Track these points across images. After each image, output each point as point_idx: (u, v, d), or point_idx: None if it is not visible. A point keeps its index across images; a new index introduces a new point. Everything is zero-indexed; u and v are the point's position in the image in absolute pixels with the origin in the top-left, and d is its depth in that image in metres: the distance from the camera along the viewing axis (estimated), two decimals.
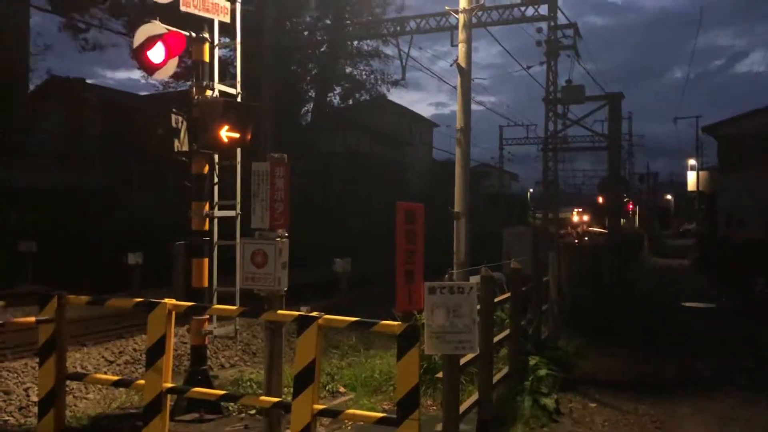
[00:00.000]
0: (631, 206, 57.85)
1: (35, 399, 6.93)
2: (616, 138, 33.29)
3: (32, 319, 5.76)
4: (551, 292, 10.15)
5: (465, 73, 10.40)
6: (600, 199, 51.37)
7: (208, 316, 6.42)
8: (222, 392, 5.80)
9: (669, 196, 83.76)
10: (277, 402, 5.00)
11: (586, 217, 59.06)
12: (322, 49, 33.28)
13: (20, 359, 8.91)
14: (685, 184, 39.69)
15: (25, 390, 7.74)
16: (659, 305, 17.43)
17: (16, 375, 8.21)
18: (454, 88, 10.93)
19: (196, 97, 6.37)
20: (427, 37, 25.09)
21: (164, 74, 6.32)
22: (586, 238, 41.42)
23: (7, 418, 6.93)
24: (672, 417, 7.32)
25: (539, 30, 27.59)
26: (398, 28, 23.86)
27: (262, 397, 5.19)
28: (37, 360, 5.79)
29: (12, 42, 25.83)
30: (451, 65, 10.91)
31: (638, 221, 61.56)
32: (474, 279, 6.97)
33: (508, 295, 7.66)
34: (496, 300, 6.79)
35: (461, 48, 10.59)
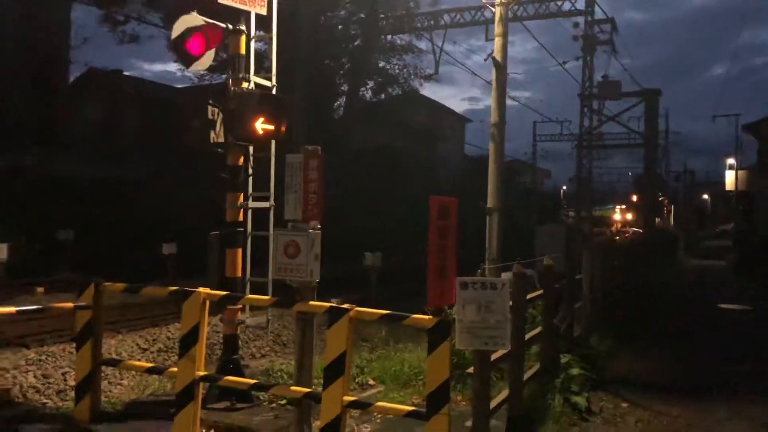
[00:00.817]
0: (666, 205, 56.86)
1: (72, 383, 7.10)
2: (652, 135, 32.77)
3: (70, 304, 5.90)
4: (584, 290, 10.03)
5: (500, 68, 10.31)
6: (634, 198, 50.58)
7: (241, 306, 6.48)
8: (253, 381, 5.86)
9: (706, 196, 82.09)
10: (308, 393, 5.03)
11: (629, 215, 57.14)
12: (356, 44, 33.35)
13: (58, 344, 9.13)
14: (722, 183, 38.82)
15: (63, 374, 7.93)
16: (694, 306, 17.10)
17: (54, 359, 8.41)
18: (488, 82, 10.86)
19: (232, 89, 6.42)
20: (461, 31, 25.07)
21: (201, 66, 6.38)
22: (619, 237, 40.81)
23: (45, 400, 7.11)
24: (707, 420, 7.19)
25: (576, 25, 27.23)
26: (432, 22, 23.80)
27: (293, 387, 5.22)
28: (74, 345, 5.92)
29: (54, 35, 26.37)
30: (485, 59, 10.83)
31: (673, 220, 60.47)
32: (506, 275, 6.93)
33: (540, 292, 7.59)
34: (528, 297, 6.73)
35: (497, 42, 10.50)
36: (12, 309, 6.04)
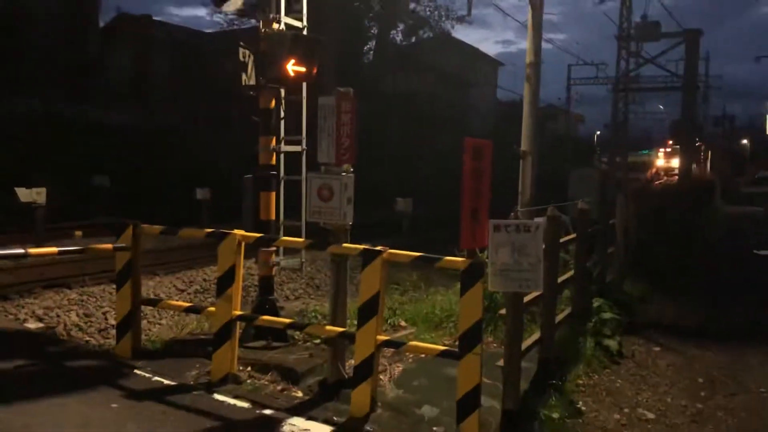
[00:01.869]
0: (703, 151, 55.42)
1: (113, 322, 7.32)
2: (691, 78, 31.67)
3: (110, 246, 6.04)
4: (617, 235, 9.93)
5: (537, 7, 10.00)
6: (669, 143, 49.37)
7: (275, 248, 6.57)
8: (288, 321, 5.99)
9: (745, 141, 79.88)
10: (342, 332, 5.12)
11: (673, 161, 52.59)
12: None
13: (98, 285, 9.40)
14: (764, 128, 37.63)
15: (104, 314, 8.19)
16: (729, 252, 16.87)
17: (95, 299, 8.68)
18: (523, 24, 10.56)
19: (263, 30, 6.35)
20: None
21: (233, 6, 6.31)
22: (654, 183, 40.05)
23: (88, 338, 7.37)
24: (739, 364, 7.17)
25: None
26: None
27: (328, 327, 5.32)
28: (115, 286, 6.09)
29: None
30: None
31: (710, 166, 59.11)
32: (539, 220, 6.88)
33: (573, 236, 7.54)
34: (561, 240, 6.69)
35: None
36: (54, 249, 6.20)
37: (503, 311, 5.24)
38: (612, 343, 6.97)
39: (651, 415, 5.55)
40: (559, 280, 6.69)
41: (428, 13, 36.15)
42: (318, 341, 6.30)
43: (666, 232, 15.93)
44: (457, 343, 4.69)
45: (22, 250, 5.62)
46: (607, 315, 7.47)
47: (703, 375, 6.78)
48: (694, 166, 43.23)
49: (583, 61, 43.48)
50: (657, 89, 37.60)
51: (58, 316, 7.97)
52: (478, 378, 4.41)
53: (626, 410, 5.60)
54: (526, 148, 9.90)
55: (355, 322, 4.88)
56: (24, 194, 12.84)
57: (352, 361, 4.90)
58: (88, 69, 26.16)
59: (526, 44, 10.36)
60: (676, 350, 7.53)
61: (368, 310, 4.79)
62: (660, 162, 53.67)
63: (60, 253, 6.23)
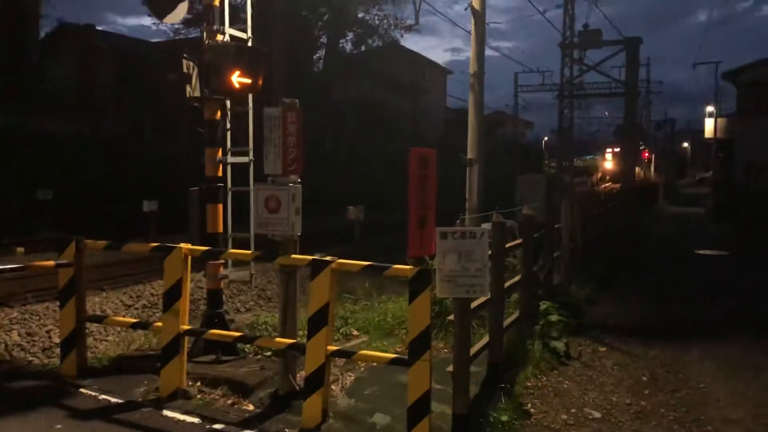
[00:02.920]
0: (647, 154, 57.13)
1: (57, 340, 7.15)
2: (633, 84, 32.63)
3: (52, 263, 5.89)
4: (563, 238, 10.17)
5: (479, 17, 10.20)
6: (614, 147, 50.50)
7: (223, 261, 6.51)
8: (238, 334, 5.94)
9: (686, 144, 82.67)
10: (292, 343, 5.11)
11: (610, 164, 50.95)
12: None
13: (41, 303, 9.14)
14: (703, 131, 39.05)
15: (47, 332, 7.97)
16: (673, 253, 17.44)
17: (38, 318, 8.44)
18: (469, 33, 10.74)
19: (207, 41, 6.31)
20: None
21: (175, 18, 6.25)
22: (602, 186, 41.08)
23: (31, 358, 7.16)
24: (681, 361, 7.42)
25: None
26: None
27: (278, 339, 5.31)
28: (58, 303, 5.94)
29: None
30: (465, 8, 10.69)
31: (654, 169, 60.95)
32: (486, 225, 7.00)
33: (520, 241, 7.69)
34: (507, 246, 6.82)
35: None
36: None
37: (452, 317, 5.31)
38: (559, 345, 7.13)
39: (597, 414, 5.69)
40: (507, 284, 6.81)
41: (377, 21, 36.42)
42: (269, 353, 6.26)
43: (611, 235, 16.39)
44: (407, 350, 4.73)
45: None
46: (554, 317, 7.63)
47: (647, 373, 6.99)
48: (638, 169, 44.54)
49: (529, 68, 44.41)
50: (601, 95, 38.64)
51: None
52: (428, 384, 4.47)
53: (573, 410, 5.73)
54: (472, 156, 10.06)
55: (306, 333, 4.89)
56: None
57: (304, 372, 4.90)
58: (29, 79, 25.42)
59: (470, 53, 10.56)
60: (621, 349, 7.75)
61: (318, 321, 4.80)
62: (608, 165, 52.77)
63: (0, 271, 6.05)
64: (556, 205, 10.50)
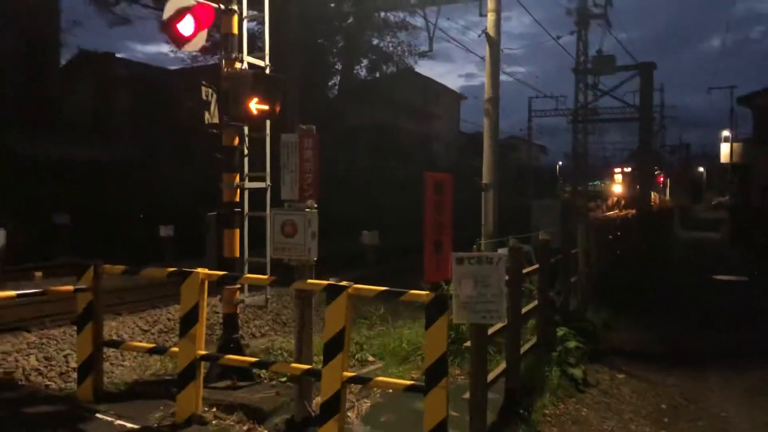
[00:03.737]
0: (662, 179, 56.84)
1: (74, 365, 7.15)
2: (647, 109, 32.64)
3: (70, 287, 5.94)
4: (580, 264, 10.11)
5: (494, 43, 10.28)
6: (622, 168, 49.84)
7: (239, 286, 6.53)
8: (254, 359, 5.93)
9: (701, 169, 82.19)
10: (308, 369, 5.10)
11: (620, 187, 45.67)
12: (349, 21, 33.07)
13: (59, 327, 9.18)
14: (718, 156, 38.84)
15: (65, 356, 7.99)
16: (689, 278, 17.26)
17: (55, 342, 8.46)
18: (483, 59, 10.82)
19: (225, 69, 6.41)
20: (457, 7, 24.65)
21: (193, 47, 6.35)
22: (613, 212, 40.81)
23: (48, 382, 7.17)
24: (701, 389, 7.31)
25: None
26: None
27: (293, 364, 5.29)
28: (75, 328, 5.97)
29: (43, 17, 26.11)
30: (479, 35, 10.79)
31: (669, 194, 60.58)
32: (502, 251, 6.98)
33: (536, 266, 7.65)
34: (524, 271, 6.79)
35: (490, 17, 10.46)
36: (12, 293, 6.07)
37: (469, 343, 5.28)
38: (577, 372, 7.05)
39: None
40: (523, 310, 6.77)
41: (391, 48, 36.72)
42: (284, 379, 6.24)
43: (627, 260, 16.26)
44: (424, 376, 4.70)
45: None
46: (571, 344, 7.57)
47: (666, 401, 6.90)
48: (653, 193, 44.28)
49: (543, 93, 44.51)
50: (615, 120, 38.66)
51: (16, 360, 7.75)
52: (445, 411, 4.42)
53: None
54: (487, 181, 10.07)
55: (322, 359, 4.87)
56: None
57: (319, 399, 4.88)
58: (48, 106, 25.86)
59: (485, 78, 10.62)
60: (639, 377, 7.65)
61: (334, 347, 4.78)
62: (617, 188, 47.10)
63: (19, 296, 6.11)
64: (571, 231, 10.45)
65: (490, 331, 5.31)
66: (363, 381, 5.18)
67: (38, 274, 14.08)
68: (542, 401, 6.22)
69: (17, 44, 24.52)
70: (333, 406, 4.72)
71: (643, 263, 17.59)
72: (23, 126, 22.86)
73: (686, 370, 7.98)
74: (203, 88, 6.24)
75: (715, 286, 16.21)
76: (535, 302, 7.58)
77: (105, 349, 6.19)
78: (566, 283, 9.13)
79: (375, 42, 36.39)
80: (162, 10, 6.22)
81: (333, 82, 36.70)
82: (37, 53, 25.59)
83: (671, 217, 40.23)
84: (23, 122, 23.22)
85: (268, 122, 6.64)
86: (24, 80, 24.97)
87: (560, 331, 7.85)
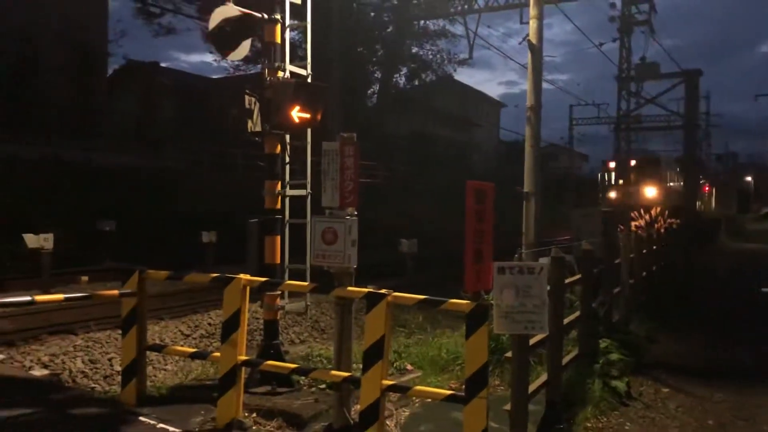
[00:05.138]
0: (707, 188, 55.51)
1: (118, 368, 7.31)
2: (692, 117, 31.96)
3: (115, 292, 6.05)
4: (623, 274, 9.92)
5: (536, 51, 10.19)
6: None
7: (280, 292, 6.58)
8: (293, 366, 5.96)
9: (749, 178, 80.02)
10: (347, 377, 5.09)
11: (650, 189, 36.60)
12: (388, 30, 33.22)
13: (104, 330, 9.38)
14: (766, 165, 37.78)
15: (109, 360, 8.16)
16: (736, 290, 16.78)
17: (100, 345, 8.65)
18: (524, 66, 10.74)
19: (268, 78, 6.49)
20: (498, 14, 24.62)
21: (238, 56, 6.46)
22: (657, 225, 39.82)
23: (93, 385, 7.34)
24: (750, 405, 7.08)
25: (613, 5, 26.76)
26: (466, 7, 23.58)
27: (333, 372, 5.30)
28: (120, 331, 6.08)
29: (91, 28, 26.87)
30: (520, 43, 10.73)
31: (715, 203, 59.12)
32: (544, 260, 6.89)
33: (578, 276, 7.53)
34: (566, 281, 6.69)
35: (532, 25, 10.38)
36: (60, 296, 6.23)
37: (509, 354, 5.22)
38: (620, 385, 6.90)
39: None
40: (565, 321, 6.66)
41: (430, 56, 36.76)
42: (323, 386, 6.26)
43: (672, 270, 15.90)
44: (463, 386, 4.66)
45: (28, 298, 5.65)
46: (614, 356, 7.42)
47: (713, 416, 6.70)
48: (698, 203, 43.27)
49: (585, 101, 44.00)
50: (659, 128, 37.94)
51: (63, 362, 7.95)
52: (485, 422, 4.37)
53: None
54: (528, 189, 9.96)
55: (361, 366, 4.87)
56: (31, 240, 12.92)
57: (358, 406, 4.87)
58: (95, 115, 26.58)
59: (527, 85, 10.53)
60: (685, 391, 7.45)
61: (373, 354, 4.78)
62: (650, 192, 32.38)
63: (66, 299, 6.26)
64: (614, 240, 10.26)
65: (532, 341, 5.24)
66: (402, 390, 5.15)
67: (84, 278, 14.42)
68: (584, 414, 6.11)
69: (68, 56, 25.27)
70: (372, 415, 4.71)
71: (688, 274, 17.17)
72: (72, 134, 23.52)
73: (735, 386, 7.74)
74: (246, 97, 6.33)
75: (763, 299, 15.71)
76: (577, 313, 7.46)
77: (148, 353, 6.29)
78: (609, 294, 8.97)
79: (414, 50, 36.50)
80: (206, 20, 6.34)
81: (372, 90, 36.90)
82: (86, 64, 26.34)
83: (717, 227, 39.23)
84: (72, 131, 23.90)
85: (309, 130, 6.70)
86: (73, 90, 25.71)
87: (603, 343, 7.70)
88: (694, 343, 10.14)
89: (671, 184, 33.53)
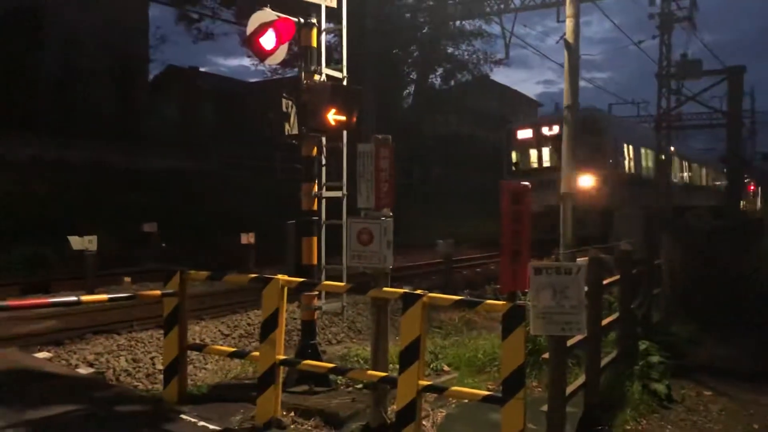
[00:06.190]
0: (752, 187, 54.05)
1: (160, 367, 7.47)
2: (736, 115, 31.17)
3: (158, 292, 6.20)
4: (663, 275, 9.75)
5: (572, 50, 10.10)
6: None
7: (317, 292, 6.66)
8: (331, 365, 6.02)
9: None
10: (384, 377, 5.13)
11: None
12: (424, 31, 33.18)
13: (146, 330, 9.59)
14: None
15: (151, 359, 8.34)
16: None
17: (143, 344, 8.85)
18: (561, 65, 10.66)
19: (305, 81, 6.57)
20: (534, 13, 24.41)
21: (275, 60, 6.55)
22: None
23: (136, 383, 7.52)
24: None
25: (652, 2, 26.26)
26: (502, 6, 23.43)
27: (370, 372, 5.34)
28: (161, 331, 6.22)
29: (133, 35, 27.51)
30: (557, 42, 10.64)
31: (761, 203, 57.51)
32: (582, 260, 6.82)
33: (617, 277, 7.44)
34: (605, 282, 6.62)
35: (568, 23, 10.30)
36: (104, 297, 6.42)
37: (547, 355, 5.19)
38: (660, 387, 6.80)
39: None
40: (604, 322, 6.59)
41: (466, 57, 36.60)
42: (360, 386, 6.31)
43: (714, 271, 15.52)
44: (500, 387, 4.65)
45: (75, 298, 5.84)
46: (654, 358, 7.30)
47: (759, 421, 6.54)
48: (743, 202, 42.19)
49: (624, 99, 43.25)
50: (701, 126, 37.11)
51: (108, 361, 8.16)
52: (522, 424, 4.36)
53: None
54: (566, 190, 9.87)
55: (397, 366, 4.90)
56: (76, 242, 13.26)
57: (395, 406, 4.90)
58: (137, 119, 27.21)
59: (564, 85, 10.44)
60: (728, 395, 7.29)
61: (410, 355, 4.80)
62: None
63: (110, 300, 6.43)
64: (655, 240, 10.09)
65: (569, 343, 5.20)
66: (439, 390, 5.17)
67: (127, 279, 14.75)
68: (623, 416, 6.04)
69: (111, 62, 25.93)
70: (409, 415, 4.74)
71: (731, 275, 16.75)
72: (115, 139, 24.12)
73: None
74: (283, 101, 6.42)
75: None
76: (616, 314, 7.37)
77: (189, 352, 6.42)
78: (649, 295, 8.83)
79: (450, 51, 36.37)
80: (243, 25, 6.45)
81: (408, 91, 36.92)
82: (128, 70, 26.99)
83: (763, 227, 38.17)
84: (115, 135, 24.51)
85: (344, 132, 6.76)
86: (116, 95, 26.37)
87: (642, 345, 7.59)
88: (740, 346, 9.89)
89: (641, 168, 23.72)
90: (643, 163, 24.48)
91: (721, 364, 8.74)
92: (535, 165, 21.76)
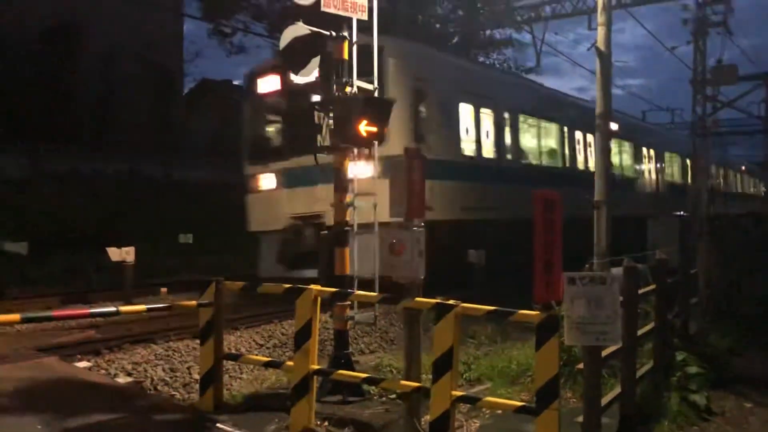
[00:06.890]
0: None
1: (196, 376, 7.57)
2: None
3: (194, 302, 6.32)
4: (700, 284, 9.58)
5: (604, 57, 10.03)
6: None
7: (350, 302, 6.70)
8: (364, 375, 6.06)
9: None
10: (417, 387, 5.14)
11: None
12: (454, 41, 33.19)
13: (182, 340, 9.72)
14: None
15: (188, 368, 8.45)
16: None
17: (179, 354, 8.97)
18: (592, 72, 10.59)
19: (337, 94, 6.66)
20: (566, 21, 24.31)
21: (307, 73, 6.65)
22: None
23: (173, 392, 7.62)
24: None
25: (686, 7, 25.90)
26: (533, 15, 23.36)
27: (403, 382, 5.36)
28: (197, 341, 6.33)
29: (168, 50, 28.10)
30: (588, 49, 10.58)
31: None
32: (616, 270, 6.75)
33: (653, 287, 7.34)
34: (640, 291, 6.53)
35: (600, 31, 10.23)
36: (142, 307, 6.57)
37: (581, 365, 5.15)
38: (699, 399, 6.66)
39: None
40: (639, 332, 6.50)
41: (497, 65, 36.45)
42: (393, 396, 6.32)
43: (753, 280, 15.17)
44: (534, 398, 4.63)
45: (114, 308, 5.98)
46: (692, 369, 7.15)
47: None
48: None
49: (658, 106, 42.59)
50: (738, 133, 36.41)
51: (145, 370, 8.28)
52: None
53: None
54: (599, 198, 9.78)
55: (430, 377, 4.91)
56: (114, 254, 13.53)
57: (428, 417, 4.90)
58: (173, 132, 27.74)
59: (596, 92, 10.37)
60: None
61: (442, 365, 4.81)
62: None
63: (148, 310, 6.57)
64: (691, 249, 9.92)
65: (604, 353, 5.15)
66: (472, 400, 5.16)
67: (163, 290, 14.98)
68: (660, 428, 5.94)
69: (147, 76, 26.53)
70: (442, 425, 4.74)
71: None
72: (151, 151, 24.63)
73: None
74: (316, 113, 6.51)
75: None
76: (652, 324, 7.26)
77: (224, 362, 6.51)
78: (686, 305, 8.69)
79: (481, 59, 36.28)
80: (275, 38, 6.57)
81: None
82: (163, 84, 27.58)
83: None
84: (151, 147, 25.03)
85: (375, 143, 6.82)
86: (152, 109, 26.95)
87: (680, 356, 7.45)
88: None
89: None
90: (522, 143, 16.11)
91: (762, 375, 8.52)
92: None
